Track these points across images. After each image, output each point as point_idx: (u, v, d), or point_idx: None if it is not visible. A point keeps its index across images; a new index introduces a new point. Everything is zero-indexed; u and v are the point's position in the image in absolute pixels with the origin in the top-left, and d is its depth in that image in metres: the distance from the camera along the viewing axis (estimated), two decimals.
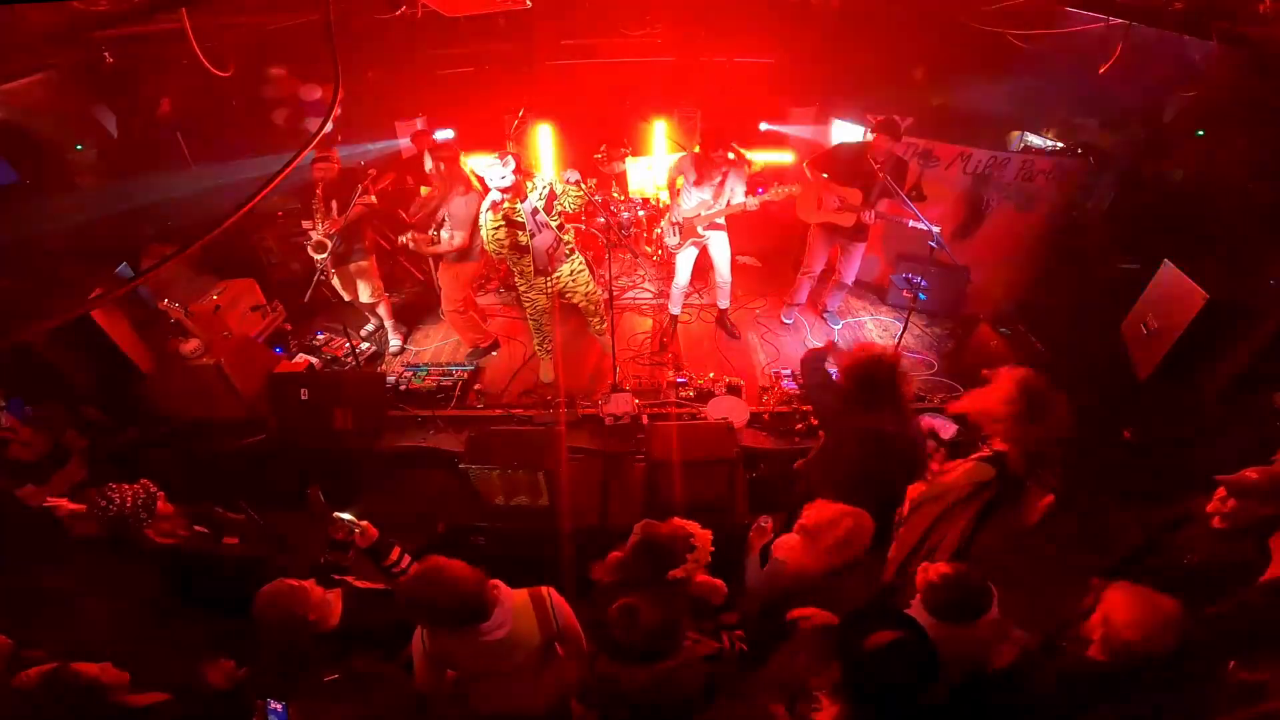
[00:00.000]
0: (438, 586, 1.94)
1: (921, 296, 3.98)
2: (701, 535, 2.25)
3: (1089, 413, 3.46)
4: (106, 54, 4.02)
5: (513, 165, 3.66)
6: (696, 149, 4.54)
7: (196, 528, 2.60)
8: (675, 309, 4.99)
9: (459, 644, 2.05)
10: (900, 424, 2.71)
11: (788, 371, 4.39)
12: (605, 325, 4.30)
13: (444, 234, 4.38)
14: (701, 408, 4.17)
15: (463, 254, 4.49)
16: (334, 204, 4.41)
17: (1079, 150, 4.76)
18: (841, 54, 5.57)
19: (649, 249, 6.23)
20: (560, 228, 4.00)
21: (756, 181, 4.91)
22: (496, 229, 3.84)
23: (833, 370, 4.40)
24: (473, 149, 5.86)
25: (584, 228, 5.44)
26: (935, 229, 3.95)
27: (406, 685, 2.19)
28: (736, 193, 4.33)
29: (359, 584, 2.49)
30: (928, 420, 4.00)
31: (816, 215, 4.62)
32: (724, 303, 5.02)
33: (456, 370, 4.55)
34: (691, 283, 5.01)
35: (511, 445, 3.47)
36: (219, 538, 2.63)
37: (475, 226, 4.20)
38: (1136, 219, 4.31)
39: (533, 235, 3.87)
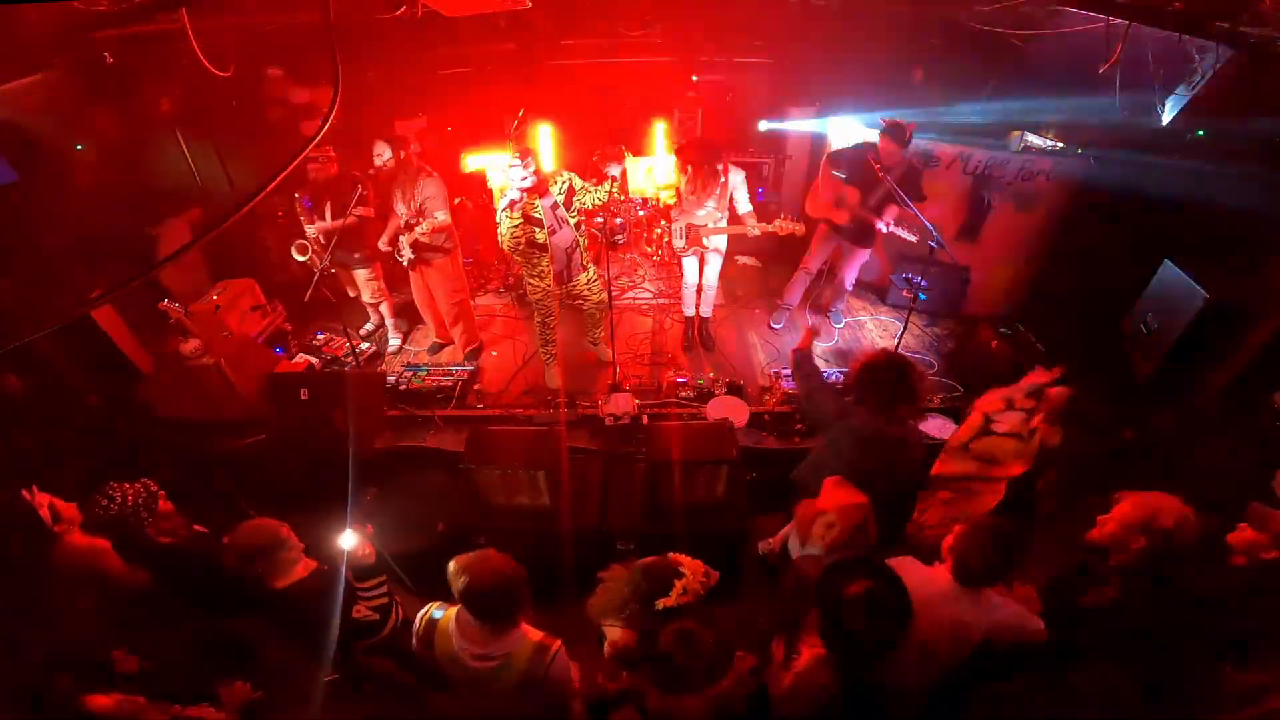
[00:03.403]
0: (483, 569, 1.98)
1: (921, 296, 3.98)
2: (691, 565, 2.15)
3: (1089, 413, 3.45)
4: (106, 54, 4.03)
5: (533, 166, 3.64)
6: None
7: (196, 527, 2.61)
8: (689, 310, 4.96)
9: (446, 644, 2.07)
10: (901, 425, 2.71)
11: (788, 371, 4.38)
12: (602, 334, 4.27)
13: (440, 215, 4.28)
14: (701, 408, 4.17)
15: (449, 237, 4.49)
16: (329, 206, 4.39)
17: (1079, 150, 4.75)
18: (842, 54, 5.56)
19: (649, 249, 6.22)
20: (578, 226, 3.97)
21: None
22: (514, 226, 3.84)
23: (829, 370, 4.41)
24: (473, 148, 5.86)
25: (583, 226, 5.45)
26: (937, 236, 3.94)
27: (409, 687, 2.19)
28: (739, 200, 4.32)
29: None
30: (926, 422, 4.01)
31: (819, 210, 4.61)
32: (705, 310, 4.93)
33: (456, 370, 4.55)
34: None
35: (511, 445, 3.47)
36: (219, 537, 2.63)
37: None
38: (1136, 219, 4.30)
39: (551, 232, 3.86)
